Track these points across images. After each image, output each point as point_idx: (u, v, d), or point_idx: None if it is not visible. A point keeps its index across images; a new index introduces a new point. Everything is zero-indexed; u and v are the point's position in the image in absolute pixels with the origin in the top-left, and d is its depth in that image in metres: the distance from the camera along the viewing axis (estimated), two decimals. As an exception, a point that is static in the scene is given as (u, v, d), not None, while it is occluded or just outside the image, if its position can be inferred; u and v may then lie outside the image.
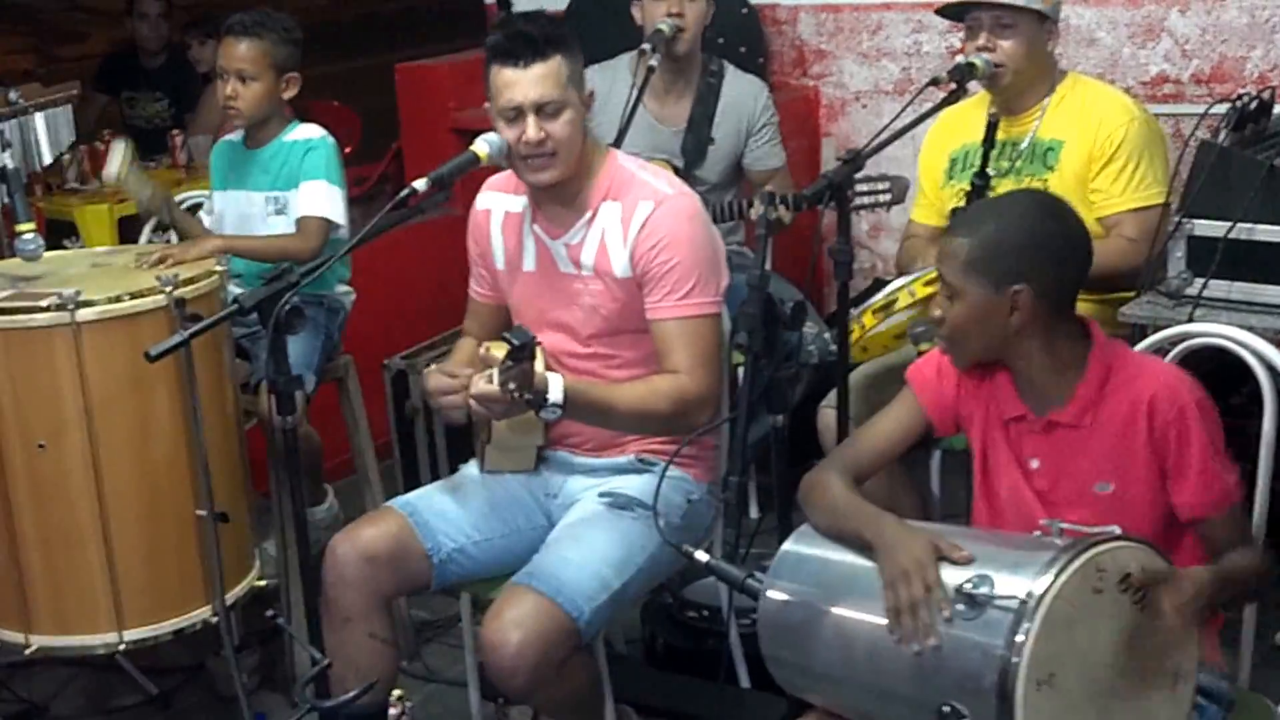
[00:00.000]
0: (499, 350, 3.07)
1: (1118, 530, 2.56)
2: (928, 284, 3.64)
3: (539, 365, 3.28)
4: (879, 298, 3.81)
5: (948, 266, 2.83)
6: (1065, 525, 2.59)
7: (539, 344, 3.10)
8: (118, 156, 4.44)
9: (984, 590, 2.48)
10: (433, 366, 3.43)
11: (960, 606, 2.50)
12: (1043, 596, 2.42)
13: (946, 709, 2.47)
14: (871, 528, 2.76)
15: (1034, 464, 2.88)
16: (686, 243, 3.35)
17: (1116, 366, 2.83)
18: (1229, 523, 2.80)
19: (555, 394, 3.17)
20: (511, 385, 3.02)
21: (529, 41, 3.28)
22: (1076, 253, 2.88)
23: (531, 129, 3.29)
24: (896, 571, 2.64)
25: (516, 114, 3.30)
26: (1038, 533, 2.61)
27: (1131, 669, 2.51)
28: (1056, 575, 2.44)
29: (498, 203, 3.59)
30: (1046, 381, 2.85)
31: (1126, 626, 2.51)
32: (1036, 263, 2.79)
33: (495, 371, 3.04)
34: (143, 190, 4.49)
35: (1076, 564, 2.45)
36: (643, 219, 3.35)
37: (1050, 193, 3.54)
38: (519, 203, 3.54)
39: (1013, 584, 2.47)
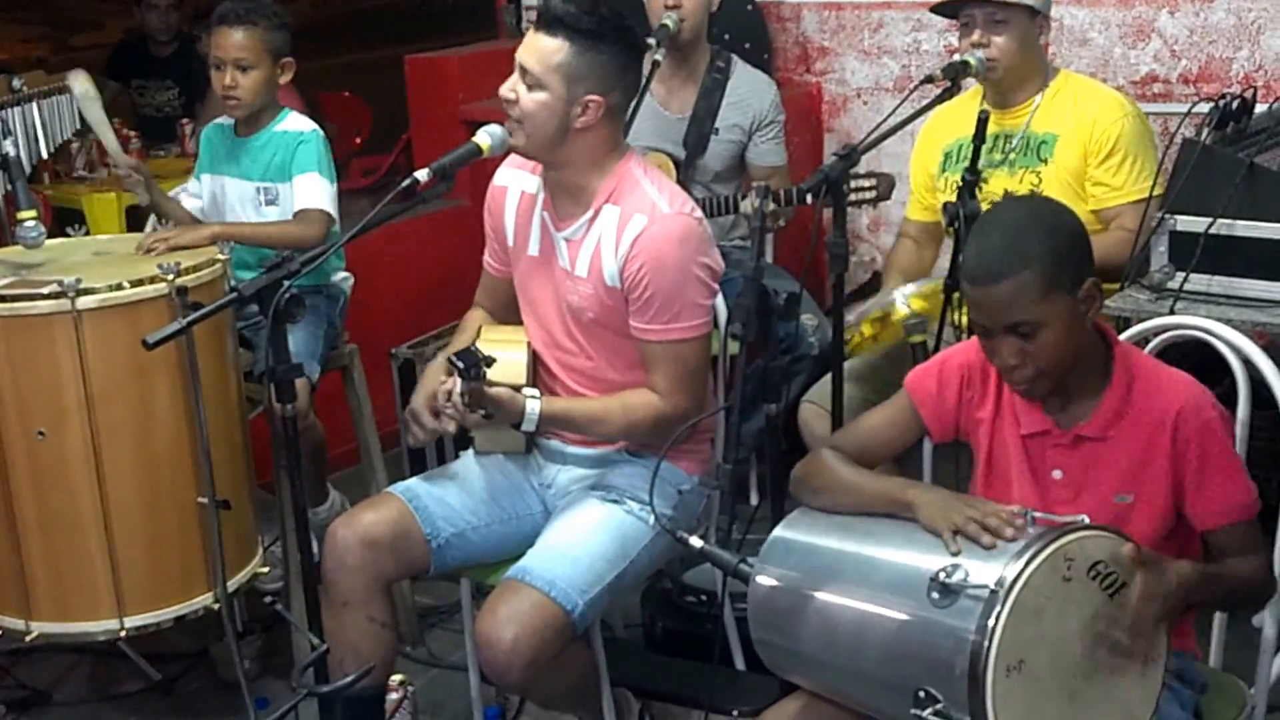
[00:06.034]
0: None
1: (1086, 519, 2.59)
2: (924, 297, 3.75)
3: (524, 374, 3.43)
4: (875, 309, 3.87)
5: (1018, 309, 2.68)
6: (1038, 514, 2.62)
7: (491, 363, 3.18)
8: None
9: (957, 578, 2.53)
10: (439, 359, 3.48)
11: (935, 595, 2.54)
12: (1011, 586, 2.45)
13: (922, 694, 2.52)
14: (905, 491, 2.77)
15: (1056, 474, 2.87)
16: (673, 268, 3.34)
17: (1137, 375, 2.81)
18: (1239, 533, 2.78)
19: (529, 424, 3.33)
20: (467, 400, 3.18)
21: (545, 12, 3.34)
22: None
23: (506, 84, 3.35)
24: (951, 502, 2.69)
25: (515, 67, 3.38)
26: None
27: (1101, 654, 2.54)
28: (1025, 565, 2.47)
29: (515, 180, 3.60)
30: (1077, 389, 2.82)
31: (1096, 613, 2.54)
32: (1086, 256, 2.76)
33: (457, 381, 3.18)
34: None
35: (1045, 554, 2.49)
36: (634, 235, 3.35)
37: (1037, 194, 3.60)
38: (535, 183, 3.55)
39: (984, 573, 2.51)
